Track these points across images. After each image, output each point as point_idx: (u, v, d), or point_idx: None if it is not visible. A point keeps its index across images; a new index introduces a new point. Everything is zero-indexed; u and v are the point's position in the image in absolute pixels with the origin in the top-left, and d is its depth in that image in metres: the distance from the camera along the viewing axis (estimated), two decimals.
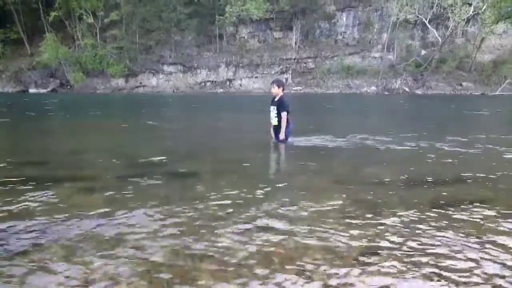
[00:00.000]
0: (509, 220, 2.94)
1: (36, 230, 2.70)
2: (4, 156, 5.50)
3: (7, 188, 3.80)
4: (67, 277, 2.08)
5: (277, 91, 6.35)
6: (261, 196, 3.52)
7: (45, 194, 3.56)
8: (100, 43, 43.51)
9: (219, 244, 2.47)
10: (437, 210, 3.14)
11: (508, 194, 3.68)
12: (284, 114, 6.18)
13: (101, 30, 43.80)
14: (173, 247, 2.44)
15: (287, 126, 6.25)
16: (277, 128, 6.35)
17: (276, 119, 6.31)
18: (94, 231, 2.68)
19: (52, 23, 42.77)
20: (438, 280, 2.05)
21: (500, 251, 2.39)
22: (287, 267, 2.18)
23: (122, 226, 2.78)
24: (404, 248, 2.43)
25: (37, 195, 3.52)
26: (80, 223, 2.84)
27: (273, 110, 6.35)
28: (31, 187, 3.82)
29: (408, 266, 2.19)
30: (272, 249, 2.41)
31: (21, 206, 3.22)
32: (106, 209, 3.12)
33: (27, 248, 2.43)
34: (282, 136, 6.23)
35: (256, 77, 42.56)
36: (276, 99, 6.38)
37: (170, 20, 42.33)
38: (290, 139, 6.42)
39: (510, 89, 34.50)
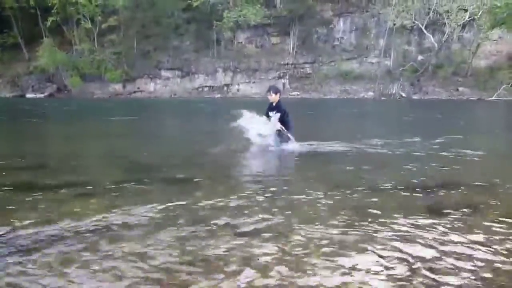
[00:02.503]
0: (506, 225, 2.95)
1: (32, 236, 2.69)
2: (0, 161, 5.49)
3: (2, 193, 3.78)
4: (64, 283, 2.07)
5: (274, 98, 6.47)
6: (258, 202, 3.52)
7: (42, 200, 3.55)
8: (98, 48, 43.51)
9: (216, 250, 2.46)
10: (434, 215, 3.14)
11: (505, 199, 3.69)
12: (277, 116, 6.31)
13: (99, 35, 43.82)
14: (170, 252, 2.43)
15: (288, 130, 6.36)
16: (279, 134, 6.45)
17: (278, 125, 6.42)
18: (91, 237, 2.67)
19: (49, 28, 42.76)
20: (435, 286, 2.06)
21: (498, 256, 2.40)
22: (284, 274, 2.18)
23: (119, 231, 2.78)
24: (402, 253, 2.44)
25: (33, 201, 3.51)
26: (76, 229, 2.83)
27: (274, 115, 6.44)
28: (27, 192, 3.80)
29: (407, 272, 2.19)
30: (269, 254, 2.40)
31: (17, 211, 3.21)
32: (103, 215, 3.11)
33: (22, 254, 2.42)
34: (291, 136, 6.36)
35: (254, 82, 42.62)
36: (274, 105, 6.48)
37: (168, 26, 42.40)
38: (289, 143, 6.47)
39: (506, 94, 34.70)
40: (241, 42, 44.54)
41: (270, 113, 6.50)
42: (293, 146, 6.47)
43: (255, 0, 41.66)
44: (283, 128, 6.37)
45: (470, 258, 2.38)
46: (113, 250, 2.46)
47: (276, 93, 6.51)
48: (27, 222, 2.96)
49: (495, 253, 2.46)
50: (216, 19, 41.13)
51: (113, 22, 42.37)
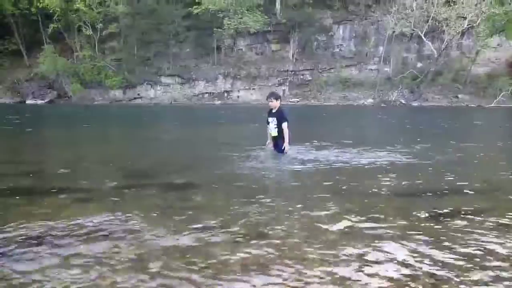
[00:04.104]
0: (506, 230, 2.95)
1: (31, 242, 2.68)
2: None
3: (1, 199, 3.78)
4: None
5: (275, 104, 6.46)
6: (258, 207, 3.52)
7: (40, 205, 3.54)
8: (99, 55, 43.66)
9: (216, 255, 2.46)
10: (434, 221, 3.14)
11: (504, 204, 3.69)
12: (285, 125, 6.27)
13: (100, 42, 43.98)
14: (169, 257, 2.42)
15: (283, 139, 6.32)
16: (276, 139, 6.42)
17: (276, 129, 6.39)
18: (89, 243, 2.66)
19: (51, 35, 42.93)
20: None
21: (498, 262, 2.39)
22: (284, 278, 2.17)
23: (118, 237, 2.77)
24: (403, 259, 2.43)
25: (32, 206, 3.50)
26: (74, 234, 2.82)
27: (273, 122, 6.43)
28: (26, 197, 3.80)
29: (406, 277, 2.19)
30: (268, 260, 2.39)
31: (15, 217, 3.20)
32: (102, 220, 3.10)
33: (21, 260, 2.41)
34: (286, 146, 6.29)
35: (254, 89, 42.69)
36: (274, 111, 6.46)
37: (168, 33, 42.58)
38: (289, 150, 6.45)
39: (505, 101, 34.80)
40: (241, 49, 44.70)
41: (269, 119, 6.52)
42: (290, 152, 6.45)
43: (255, 8, 41.89)
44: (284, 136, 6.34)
45: (469, 263, 2.37)
46: (112, 255, 2.45)
47: (276, 99, 6.50)
48: (24, 227, 2.95)
49: (495, 258, 2.45)
50: (217, 26, 41.29)
51: (113, 29, 42.52)
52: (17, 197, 3.83)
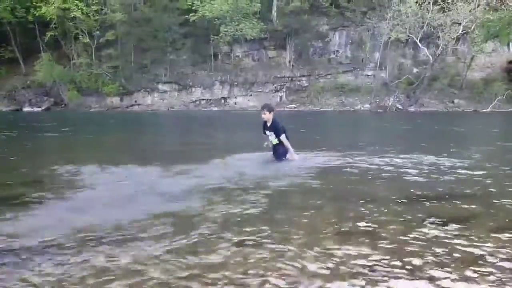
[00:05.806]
0: (502, 235, 2.95)
1: (27, 250, 2.66)
2: None
3: None
4: None
5: (268, 117, 6.47)
6: (257, 213, 3.51)
7: (37, 213, 3.52)
8: (96, 62, 43.69)
9: (214, 261, 2.45)
10: (431, 226, 3.14)
11: (500, 209, 3.70)
12: (283, 137, 6.30)
13: (97, 50, 44.03)
14: (168, 263, 2.41)
15: (284, 145, 6.36)
16: (278, 146, 6.46)
17: (276, 140, 6.43)
18: (86, 251, 2.64)
19: (47, 42, 42.96)
20: None
21: (495, 267, 2.39)
22: (280, 283, 2.16)
23: (116, 243, 2.75)
24: (400, 265, 2.43)
25: (28, 213, 3.48)
26: (70, 243, 2.80)
27: (271, 135, 6.48)
28: (22, 206, 3.77)
29: (403, 283, 2.18)
30: (267, 266, 2.39)
31: (12, 225, 3.18)
32: (97, 228, 3.08)
33: (20, 268, 2.39)
34: (294, 156, 6.35)
35: (251, 95, 42.79)
36: (269, 124, 6.48)
37: (165, 40, 42.72)
38: (288, 156, 6.46)
39: (501, 106, 35.04)
40: (238, 56, 44.86)
41: (267, 132, 6.56)
42: (294, 158, 6.46)
43: (251, 15, 42.10)
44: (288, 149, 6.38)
45: (467, 270, 2.37)
46: (109, 264, 2.44)
47: (270, 112, 6.47)
48: (22, 235, 2.93)
49: (491, 262, 2.45)
50: (213, 33, 41.47)
51: (110, 36, 42.60)
52: (10, 205, 3.81)
